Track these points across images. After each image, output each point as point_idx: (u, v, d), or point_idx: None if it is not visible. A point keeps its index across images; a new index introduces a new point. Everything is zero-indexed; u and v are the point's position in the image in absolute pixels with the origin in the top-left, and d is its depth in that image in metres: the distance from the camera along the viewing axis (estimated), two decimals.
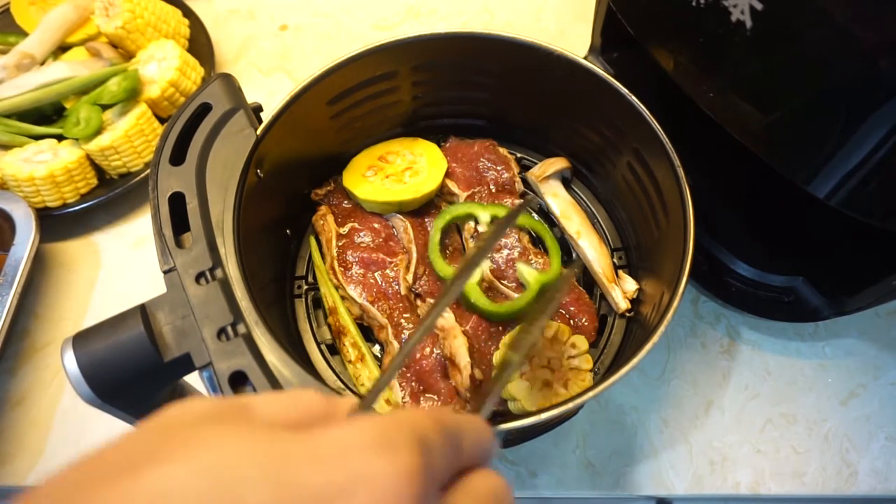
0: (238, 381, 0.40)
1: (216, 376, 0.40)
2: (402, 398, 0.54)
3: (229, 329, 0.42)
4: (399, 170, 0.62)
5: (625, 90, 0.54)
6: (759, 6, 0.40)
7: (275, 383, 0.41)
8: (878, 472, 0.55)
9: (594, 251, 0.59)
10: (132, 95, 0.69)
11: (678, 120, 0.52)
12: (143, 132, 0.69)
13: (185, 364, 0.41)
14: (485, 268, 0.60)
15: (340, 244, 0.60)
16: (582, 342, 0.54)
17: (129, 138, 0.68)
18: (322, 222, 0.61)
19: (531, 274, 0.58)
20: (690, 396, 0.61)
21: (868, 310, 0.53)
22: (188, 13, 0.82)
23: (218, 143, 0.49)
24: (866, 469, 0.55)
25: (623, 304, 0.58)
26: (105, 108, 0.69)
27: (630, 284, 0.59)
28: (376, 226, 0.61)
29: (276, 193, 0.57)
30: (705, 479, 0.56)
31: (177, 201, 0.47)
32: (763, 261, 0.62)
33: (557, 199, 0.61)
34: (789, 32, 0.40)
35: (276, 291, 0.58)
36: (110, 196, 0.69)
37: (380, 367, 0.55)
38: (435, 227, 0.60)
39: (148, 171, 0.70)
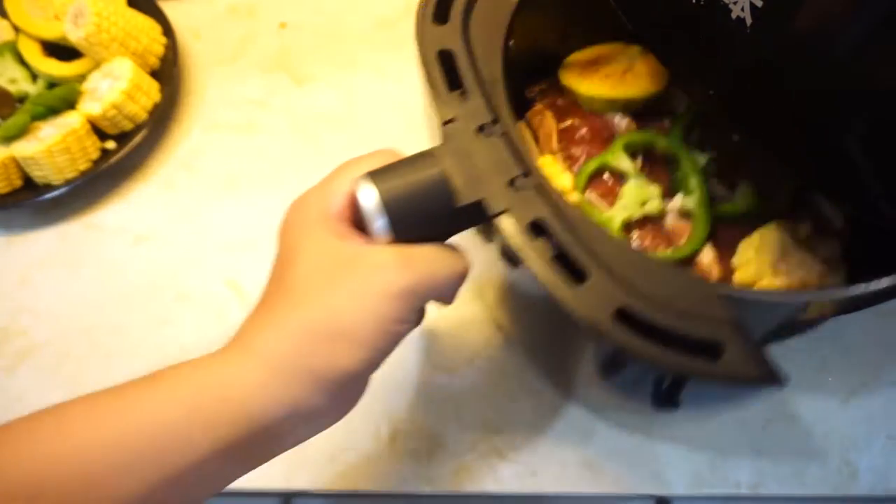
0: (537, 231, 0.38)
1: (515, 224, 0.38)
2: None
3: (519, 180, 0.40)
4: (619, 71, 0.60)
5: None
6: (759, 3, 0.36)
7: (576, 233, 0.38)
8: (878, 472, 0.54)
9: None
10: (64, 107, 0.67)
11: None
12: (68, 149, 0.65)
13: (477, 212, 0.39)
14: None
15: (561, 142, 0.57)
16: None
17: (50, 153, 0.64)
18: (540, 117, 0.59)
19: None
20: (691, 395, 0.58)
21: (868, 308, 0.48)
22: (168, 31, 0.75)
23: (480, 4, 0.47)
24: (867, 468, 0.54)
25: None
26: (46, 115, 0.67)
27: None
28: (596, 124, 0.58)
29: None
30: (705, 479, 0.55)
31: (445, 59, 0.45)
32: None
33: None
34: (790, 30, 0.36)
35: None
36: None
37: None
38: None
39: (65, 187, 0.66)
